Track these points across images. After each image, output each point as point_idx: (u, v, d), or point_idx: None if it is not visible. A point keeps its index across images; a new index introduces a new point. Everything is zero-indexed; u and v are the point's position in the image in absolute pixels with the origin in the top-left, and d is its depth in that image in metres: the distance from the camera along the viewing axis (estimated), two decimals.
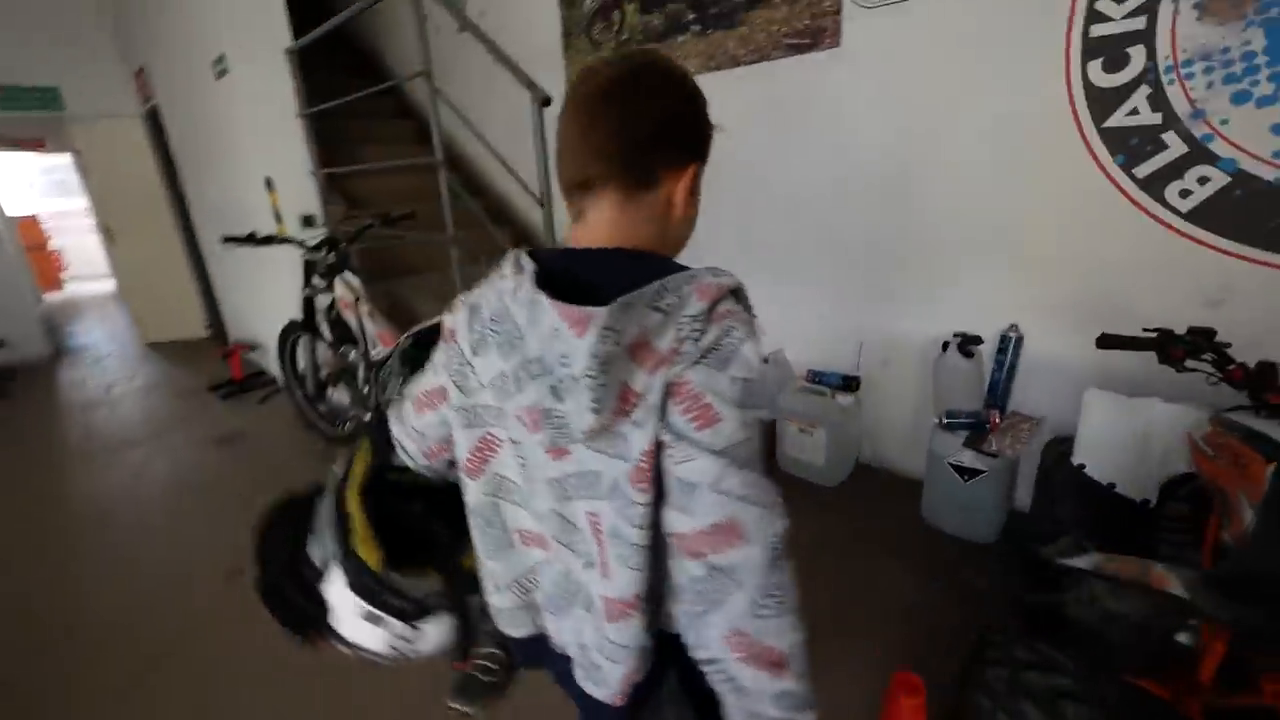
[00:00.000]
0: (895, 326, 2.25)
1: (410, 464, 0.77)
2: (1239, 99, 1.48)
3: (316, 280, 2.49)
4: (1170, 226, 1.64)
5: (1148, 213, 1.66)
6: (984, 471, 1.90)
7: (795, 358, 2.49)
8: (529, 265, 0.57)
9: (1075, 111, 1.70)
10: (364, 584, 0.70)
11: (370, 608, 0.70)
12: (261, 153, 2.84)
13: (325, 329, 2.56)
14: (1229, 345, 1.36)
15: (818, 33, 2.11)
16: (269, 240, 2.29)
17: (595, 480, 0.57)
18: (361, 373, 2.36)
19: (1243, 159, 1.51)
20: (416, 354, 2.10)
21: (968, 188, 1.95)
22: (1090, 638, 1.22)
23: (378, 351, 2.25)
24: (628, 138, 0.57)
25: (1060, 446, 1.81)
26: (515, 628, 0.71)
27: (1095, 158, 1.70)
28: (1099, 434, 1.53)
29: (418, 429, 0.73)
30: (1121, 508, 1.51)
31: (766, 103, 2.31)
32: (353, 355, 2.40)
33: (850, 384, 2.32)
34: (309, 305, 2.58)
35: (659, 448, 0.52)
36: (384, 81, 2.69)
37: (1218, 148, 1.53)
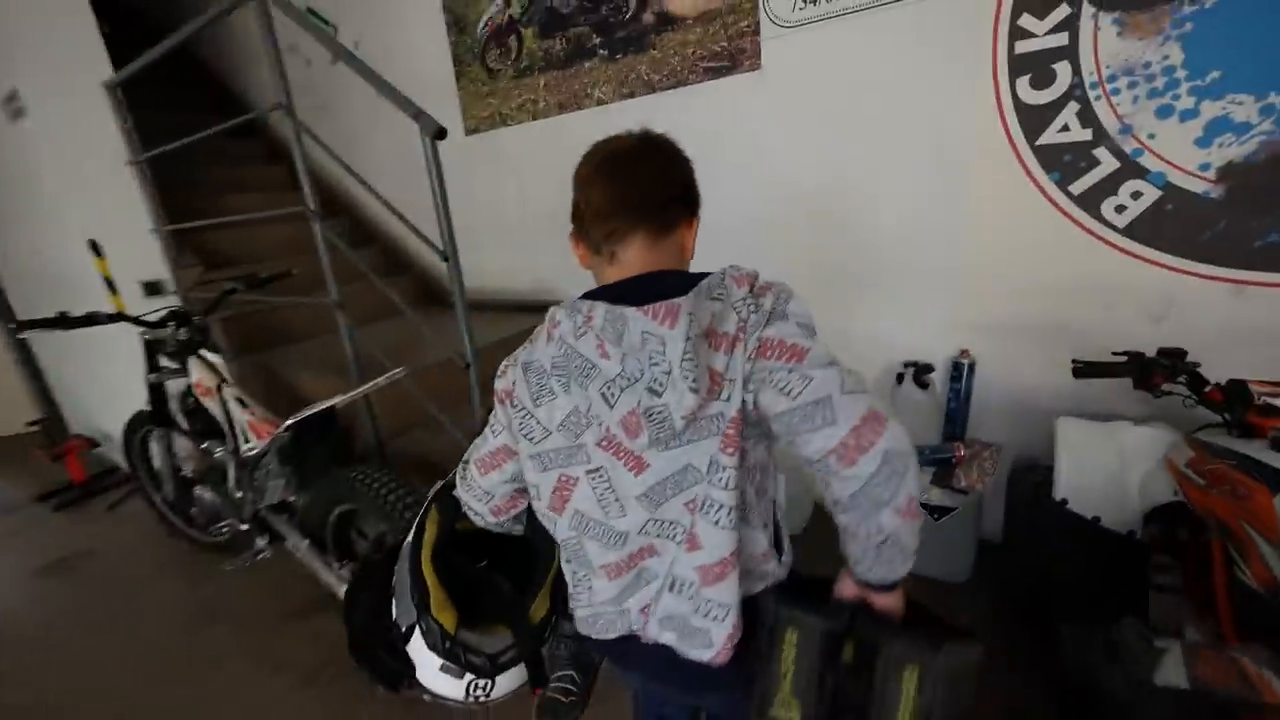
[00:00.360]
0: (842, 359, 2.12)
1: (479, 522, 0.88)
2: (1163, 113, 1.47)
3: (165, 362, 2.01)
4: (1109, 243, 1.61)
5: (1086, 229, 1.63)
6: (954, 509, 1.79)
7: None
8: (591, 303, 0.67)
9: (1008, 129, 1.65)
10: (442, 645, 0.79)
11: (450, 664, 0.80)
12: (82, 209, 2.32)
13: (181, 420, 2.07)
14: (1199, 365, 1.31)
15: (736, 54, 1.98)
16: (88, 321, 1.80)
17: (685, 472, 0.68)
18: (232, 473, 1.91)
19: (1171, 172, 1.49)
20: (295, 451, 1.70)
21: (905, 210, 1.87)
22: None
23: (250, 446, 1.81)
24: (655, 197, 0.73)
25: (1030, 476, 1.73)
26: (607, 633, 0.78)
27: (1031, 176, 1.66)
28: (1077, 465, 1.44)
29: (486, 489, 0.84)
30: (1108, 542, 1.41)
31: (686, 129, 2.13)
32: (219, 452, 1.94)
33: None
34: (157, 393, 2.09)
35: (743, 416, 0.65)
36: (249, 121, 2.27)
37: (1147, 162, 1.51)
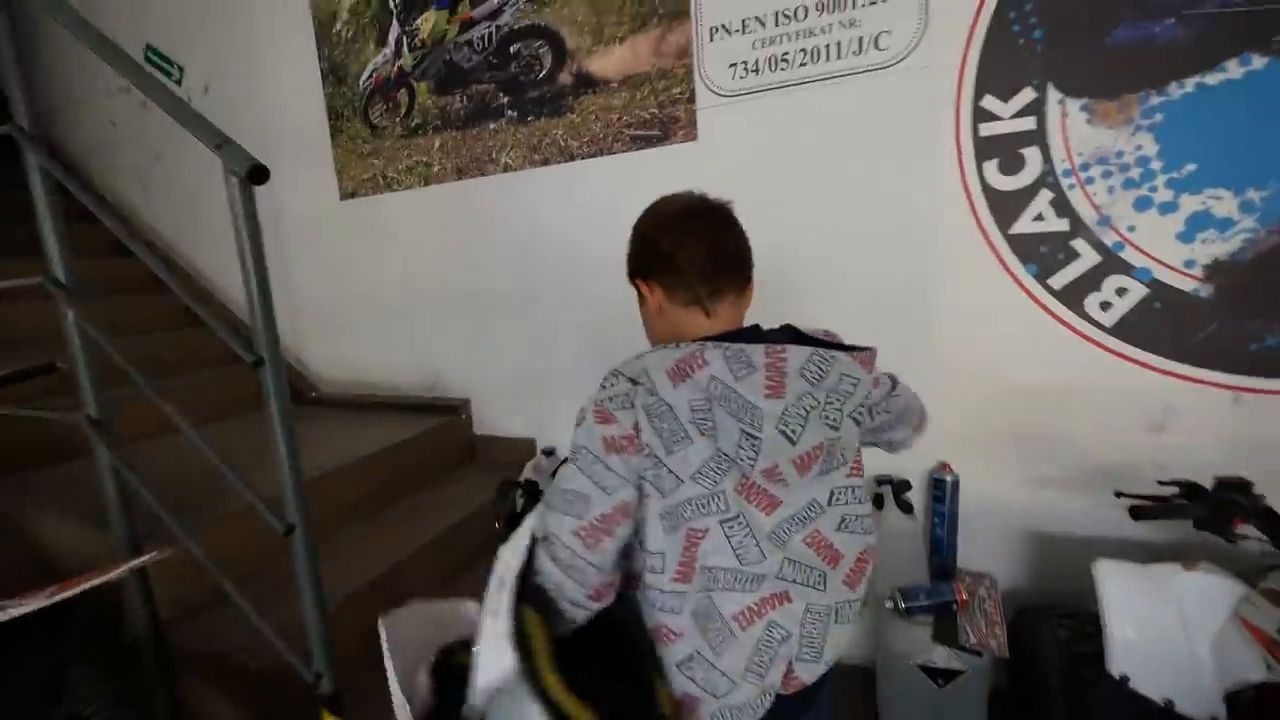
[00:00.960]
0: None
1: (575, 616, 0.69)
2: (1141, 204, 1.34)
3: None
4: (1097, 342, 1.42)
5: (1071, 327, 1.44)
6: (962, 673, 1.41)
7: None
8: (753, 345, 0.69)
9: (977, 216, 1.47)
10: None
11: None
12: None
13: None
14: (1263, 496, 1.06)
15: (669, 124, 1.72)
16: None
17: (812, 506, 0.74)
18: None
19: (1156, 268, 1.35)
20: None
21: (864, 303, 1.62)
22: None
23: None
24: (746, 256, 0.80)
25: (1034, 618, 1.41)
26: (755, 712, 0.72)
27: (1006, 267, 1.47)
28: (1131, 627, 1.12)
29: (596, 565, 0.68)
30: None
31: (611, 199, 1.82)
32: None
33: None
34: None
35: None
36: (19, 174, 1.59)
37: (1130, 256, 1.36)
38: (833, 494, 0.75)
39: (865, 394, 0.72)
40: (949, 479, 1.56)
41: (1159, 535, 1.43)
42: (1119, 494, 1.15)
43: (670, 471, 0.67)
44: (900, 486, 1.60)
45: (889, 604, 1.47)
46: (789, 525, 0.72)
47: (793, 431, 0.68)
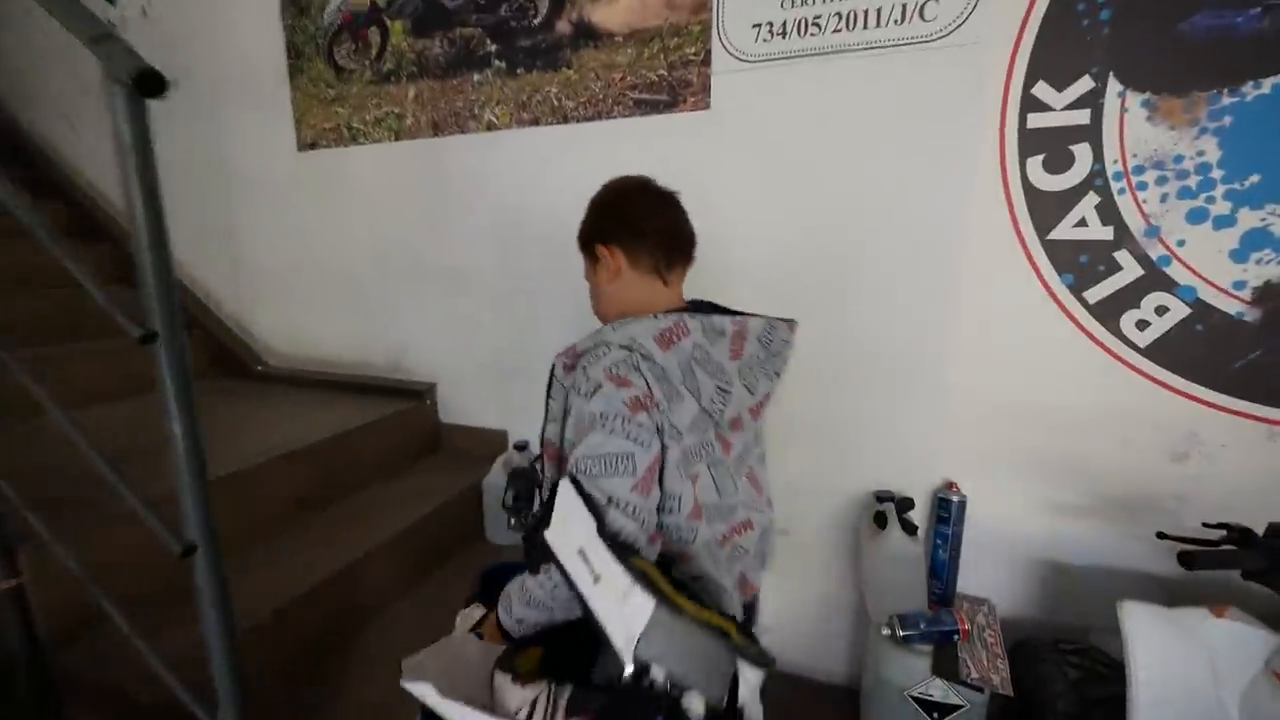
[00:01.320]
0: (795, 480, 1.63)
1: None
2: (1195, 217, 1.22)
3: None
4: (1129, 364, 1.32)
5: (1103, 346, 1.33)
6: (962, 708, 1.32)
7: None
8: (721, 317, 0.84)
9: (1015, 218, 1.33)
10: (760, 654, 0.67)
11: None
12: None
13: None
14: None
15: (678, 88, 1.53)
16: None
17: (748, 446, 0.91)
18: None
19: (1202, 287, 1.24)
20: None
21: (880, 304, 1.48)
22: None
23: None
24: (694, 238, 0.92)
25: (1037, 653, 1.33)
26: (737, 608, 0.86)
27: (1040, 275, 1.34)
28: (1160, 678, 1.03)
29: (650, 509, 0.74)
30: None
31: (608, 172, 1.63)
32: None
33: None
34: None
35: None
36: None
37: (1176, 273, 1.25)
38: (756, 435, 0.94)
39: (789, 354, 0.92)
40: (956, 499, 1.45)
41: (1169, 570, 1.35)
42: (1161, 535, 1.05)
43: (673, 425, 0.75)
44: (903, 504, 1.48)
45: (885, 630, 1.36)
46: (739, 463, 0.88)
47: (752, 384, 0.85)
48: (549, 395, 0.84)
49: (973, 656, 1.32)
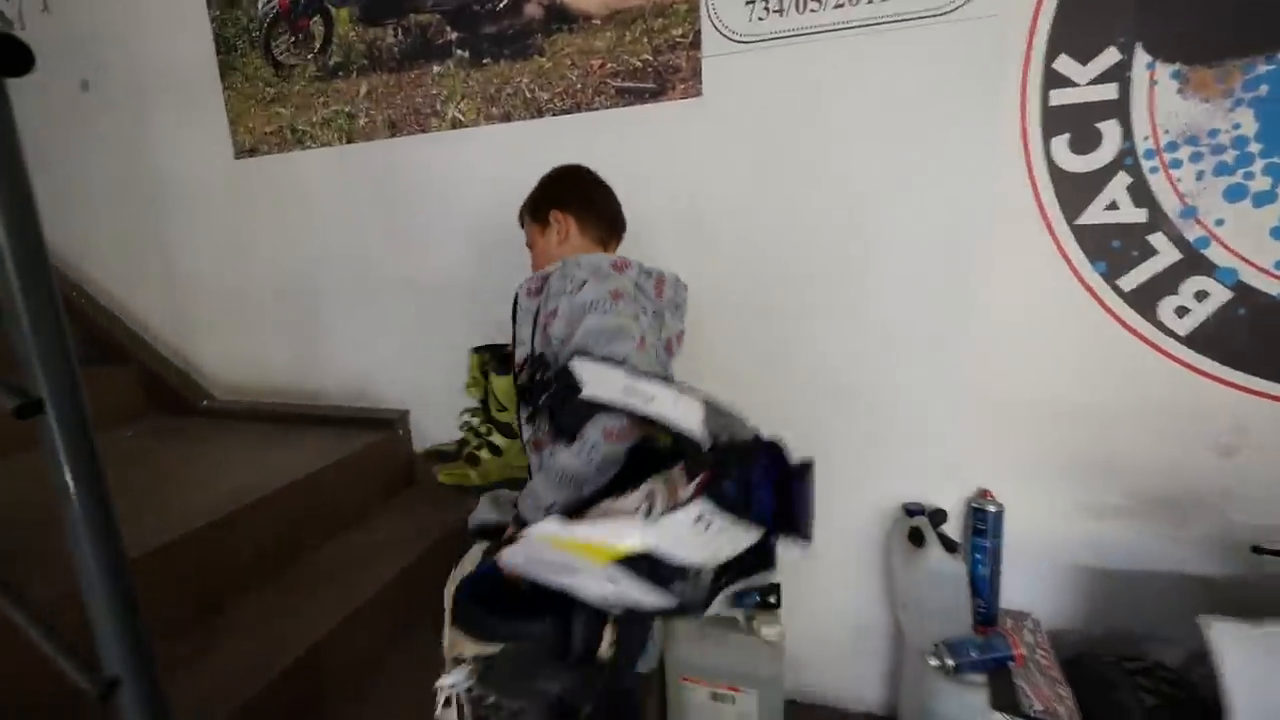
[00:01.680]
0: (817, 494, 1.50)
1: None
2: (1233, 194, 1.14)
3: None
4: (1167, 353, 1.23)
5: (1140, 336, 1.24)
6: None
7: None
8: (651, 265, 1.00)
9: (1040, 203, 1.23)
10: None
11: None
12: None
13: None
14: None
15: (665, 74, 1.38)
16: None
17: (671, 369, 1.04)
18: None
19: (1243, 269, 1.16)
20: None
21: (896, 301, 1.36)
22: None
23: None
24: (625, 222, 1.12)
25: (1099, 673, 1.23)
26: None
27: (1070, 264, 1.24)
28: (1258, 703, 0.93)
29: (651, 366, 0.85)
30: None
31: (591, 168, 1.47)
32: None
33: (770, 596, 1.48)
34: None
35: None
36: None
37: (1215, 254, 1.17)
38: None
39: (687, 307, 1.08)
40: (992, 509, 1.34)
41: (1216, 570, 1.27)
42: (1256, 549, 0.95)
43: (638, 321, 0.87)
44: (936, 517, 1.37)
45: (933, 661, 1.24)
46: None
47: (673, 319, 1.02)
48: (515, 322, 0.97)
49: (1030, 684, 1.21)
